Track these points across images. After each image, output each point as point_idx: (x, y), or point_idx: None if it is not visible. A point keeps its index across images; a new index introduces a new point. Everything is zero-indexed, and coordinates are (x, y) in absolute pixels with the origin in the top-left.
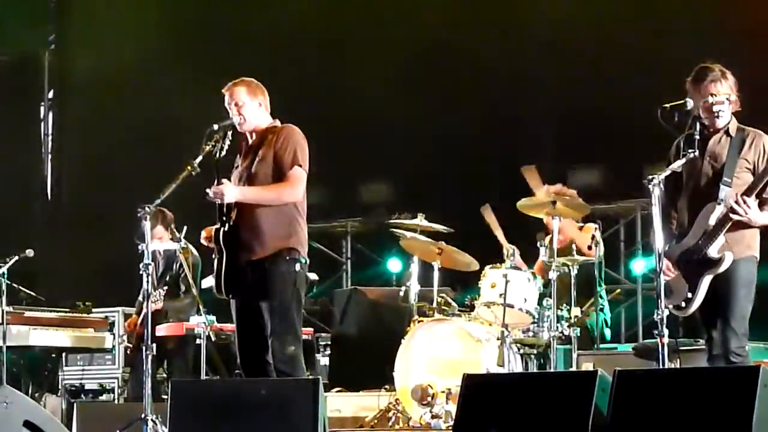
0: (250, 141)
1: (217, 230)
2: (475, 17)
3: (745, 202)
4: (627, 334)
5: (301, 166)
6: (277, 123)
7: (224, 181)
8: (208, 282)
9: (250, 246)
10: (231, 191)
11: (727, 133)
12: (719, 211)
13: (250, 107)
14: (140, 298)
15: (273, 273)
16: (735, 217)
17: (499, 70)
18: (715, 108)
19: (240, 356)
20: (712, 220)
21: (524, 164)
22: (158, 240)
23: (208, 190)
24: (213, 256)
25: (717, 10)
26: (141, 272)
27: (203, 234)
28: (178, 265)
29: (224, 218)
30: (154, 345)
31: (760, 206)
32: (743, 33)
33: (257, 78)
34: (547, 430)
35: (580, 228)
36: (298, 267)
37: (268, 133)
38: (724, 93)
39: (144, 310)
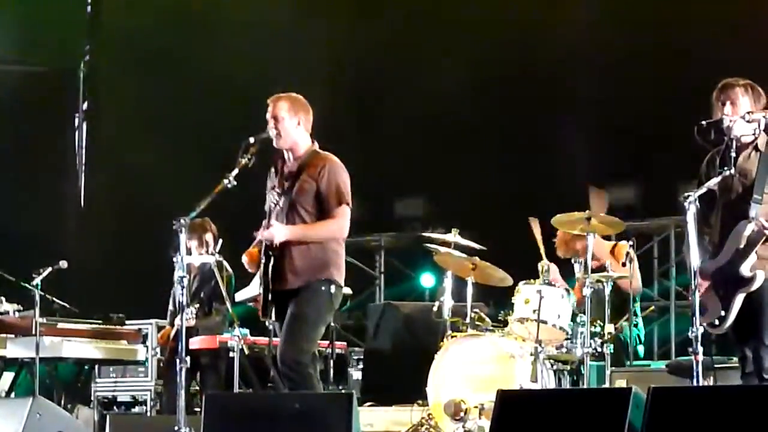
0: (288, 161)
1: (266, 264)
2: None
3: None
4: (660, 351)
5: (347, 203)
6: (316, 147)
7: (274, 223)
8: (243, 295)
9: (292, 277)
10: (281, 234)
11: (756, 148)
12: (750, 229)
13: (288, 123)
14: (171, 308)
15: (303, 294)
16: (767, 232)
17: (536, 85)
18: (737, 129)
19: (276, 370)
20: (744, 239)
21: (560, 181)
22: (197, 253)
23: (258, 234)
24: (256, 275)
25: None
26: (175, 285)
27: (245, 258)
28: (213, 281)
29: (269, 250)
30: (188, 358)
31: None
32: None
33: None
34: None
35: (614, 246)
36: (333, 288)
37: (310, 162)
38: (744, 108)
39: (178, 323)
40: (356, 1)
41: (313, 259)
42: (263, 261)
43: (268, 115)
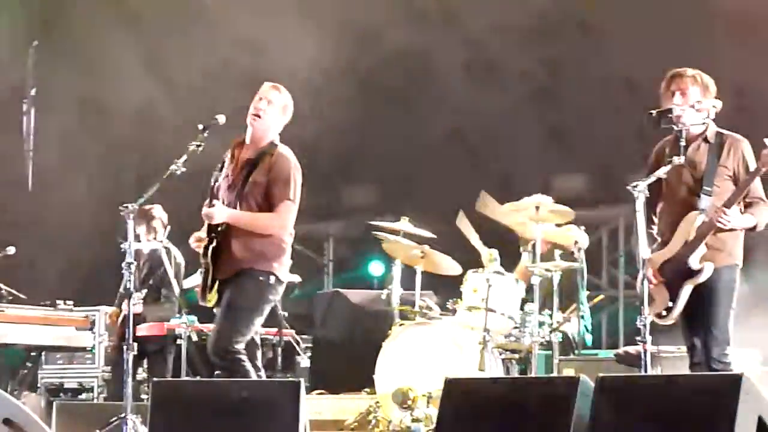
0: (246, 147)
1: (206, 246)
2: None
3: (726, 214)
4: (608, 340)
5: (291, 200)
6: (276, 141)
7: (215, 203)
8: (192, 282)
9: (231, 263)
10: (221, 214)
11: (705, 139)
12: (700, 220)
13: (272, 113)
14: (121, 290)
15: (243, 280)
16: (719, 224)
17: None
18: (686, 118)
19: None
20: (693, 230)
21: (510, 171)
22: (146, 240)
23: (203, 210)
24: (201, 261)
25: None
26: (123, 271)
27: (192, 240)
28: (162, 268)
29: (213, 234)
30: (136, 344)
31: (744, 208)
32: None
33: None
34: None
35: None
36: (271, 279)
37: (266, 156)
38: (694, 98)
39: (125, 310)
40: None
41: (255, 250)
42: (205, 243)
43: (260, 95)
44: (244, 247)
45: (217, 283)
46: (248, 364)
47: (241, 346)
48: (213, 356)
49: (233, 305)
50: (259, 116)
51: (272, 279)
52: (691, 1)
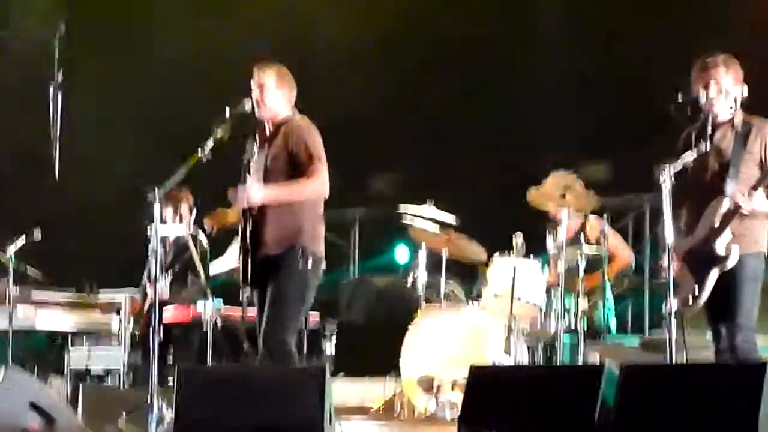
0: (267, 132)
1: (244, 229)
2: (487, 7)
3: (749, 197)
4: (634, 326)
5: (319, 159)
6: (290, 114)
7: (249, 182)
8: (218, 267)
9: (270, 242)
10: (255, 194)
11: (732, 125)
12: (725, 206)
13: (273, 94)
14: (144, 280)
15: (282, 263)
16: (742, 211)
17: (513, 62)
18: (714, 105)
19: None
20: (719, 216)
21: (536, 157)
22: (172, 224)
23: (230, 193)
24: (232, 243)
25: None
26: (149, 257)
27: (207, 222)
28: (188, 253)
29: (246, 215)
30: (163, 329)
31: None
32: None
33: None
34: (554, 422)
35: (584, 222)
36: (309, 262)
37: (284, 130)
38: (724, 83)
39: (151, 296)
40: None
41: (289, 225)
42: (241, 225)
43: (254, 83)
44: (276, 227)
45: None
46: (296, 356)
47: (292, 338)
48: (265, 348)
49: (281, 298)
50: (262, 104)
51: (310, 263)
52: None
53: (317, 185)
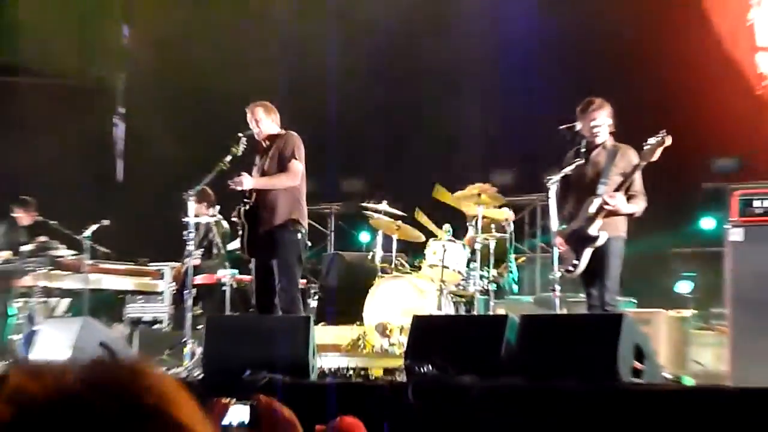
0: (264, 145)
1: (240, 209)
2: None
3: (614, 197)
4: (528, 289)
5: (296, 159)
6: (280, 130)
7: (242, 173)
8: (234, 245)
9: (264, 219)
10: (247, 181)
11: (604, 147)
12: (597, 202)
13: (265, 122)
14: (186, 252)
15: (281, 239)
16: (608, 207)
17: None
18: (594, 130)
19: (256, 299)
20: (593, 209)
21: (459, 169)
22: (202, 214)
23: (230, 182)
24: (237, 228)
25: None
26: (185, 238)
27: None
28: (212, 234)
29: (245, 200)
30: (194, 290)
31: (628, 200)
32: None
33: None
34: (472, 356)
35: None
36: (299, 236)
37: (276, 139)
38: (601, 120)
39: (186, 264)
40: None
41: (281, 205)
42: (241, 208)
43: (249, 118)
44: (269, 207)
45: (251, 239)
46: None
47: (299, 291)
48: (284, 306)
49: (286, 266)
50: (260, 131)
51: (299, 235)
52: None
53: (292, 177)
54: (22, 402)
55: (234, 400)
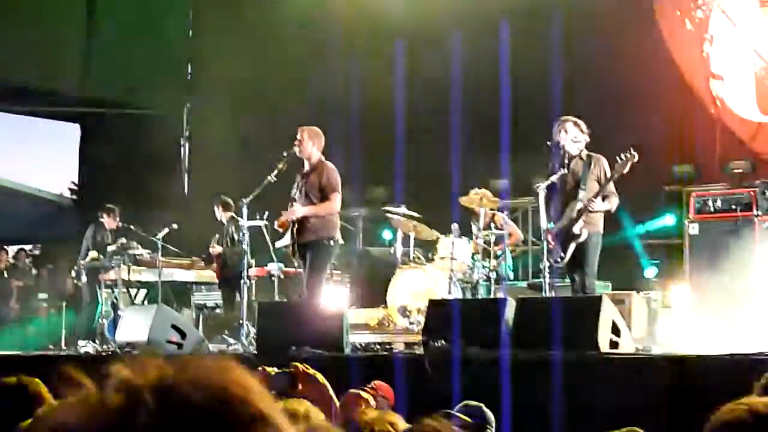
0: (305, 168)
1: (292, 228)
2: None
3: (594, 201)
4: (523, 275)
5: (336, 191)
6: (322, 158)
7: (294, 205)
8: (280, 243)
9: (307, 234)
10: (298, 212)
11: (581, 158)
12: (578, 205)
13: (307, 144)
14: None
15: (317, 247)
16: (588, 208)
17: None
18: (568, 146)
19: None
20: (574, 211)
21: (464, 179)
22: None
23: (284, 212)
24: (286, 234)
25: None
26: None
27: (276, 223)
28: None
29: (293, 221)
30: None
31: (603, 199)
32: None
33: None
34: (477, 333)
35: (493, 215)
36: (331, 243)
37: (317, 167)
38: (572, 135)
39: (242, 259)
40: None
41: (319, 225)
42: (291, 226)
43: (297, 138)
44: (310, 225)
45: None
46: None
47: (323, 286)
48: (308, 295)
49: (316, 266)
50: (301, 150)
51: (332, 242)
52: None
53: (332, 207)
54: (130, 391)
55: (275, 369)
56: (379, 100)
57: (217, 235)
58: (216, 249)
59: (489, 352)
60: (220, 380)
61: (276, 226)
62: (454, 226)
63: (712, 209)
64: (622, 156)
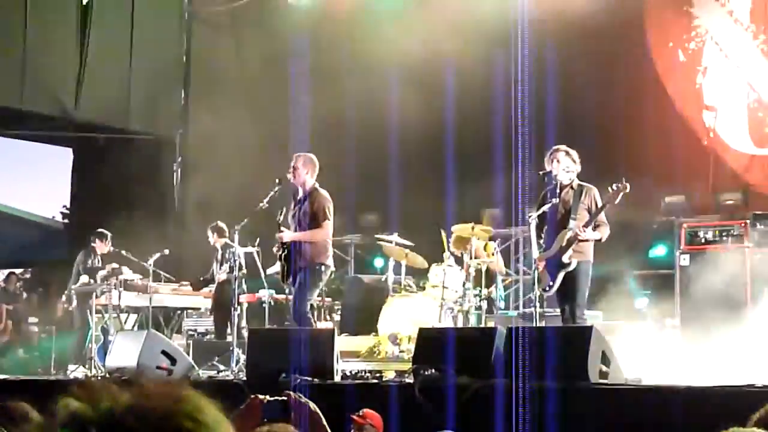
0: (299, 194)
1: (281, 253)
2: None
3: (584, 231)
4: (514, 305)
5: (328, 219)
6: (316, 186)
7: (283, 229)
8: (271, 270)
9: (298, 260)
10: (287, 237)
11: (572, 187)
12: (569, 234)
13: (301, 172)
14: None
15: (307, 273)
16: (579, 237)
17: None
18: (560, 176)
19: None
20: (565, 240)
21: (457, 203)
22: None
23: (277, 235)
24: (279, 261)
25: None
26: (231, 264)
27: (274, 249)
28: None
29: (283, 245)
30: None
31: (594, 228)
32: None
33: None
34: (468, 361)
35: (485, 245)
36: (323, 268)
37: (311, 194)
38: (564, 165)
39: (234, 286)
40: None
41: (310, 251)
42: (281, 251)
43: (291, 165)
44: (301, 251)
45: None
46: (313, 321)
47: (309, 310)
48: (295, 317)
49: (304, 288)
50: (294, 177)
51: (323, 268)
52: None
53: (322, 234)
54: (76, 428)
55: (268, 397)
56: (372, 128)
57: (215, 263)
58: (222, 276)
59: (479, 381)
60: (170, 412)
61: (274, 250)
62: (446, 255)
63: (703, 240)
64: (614, 186)
